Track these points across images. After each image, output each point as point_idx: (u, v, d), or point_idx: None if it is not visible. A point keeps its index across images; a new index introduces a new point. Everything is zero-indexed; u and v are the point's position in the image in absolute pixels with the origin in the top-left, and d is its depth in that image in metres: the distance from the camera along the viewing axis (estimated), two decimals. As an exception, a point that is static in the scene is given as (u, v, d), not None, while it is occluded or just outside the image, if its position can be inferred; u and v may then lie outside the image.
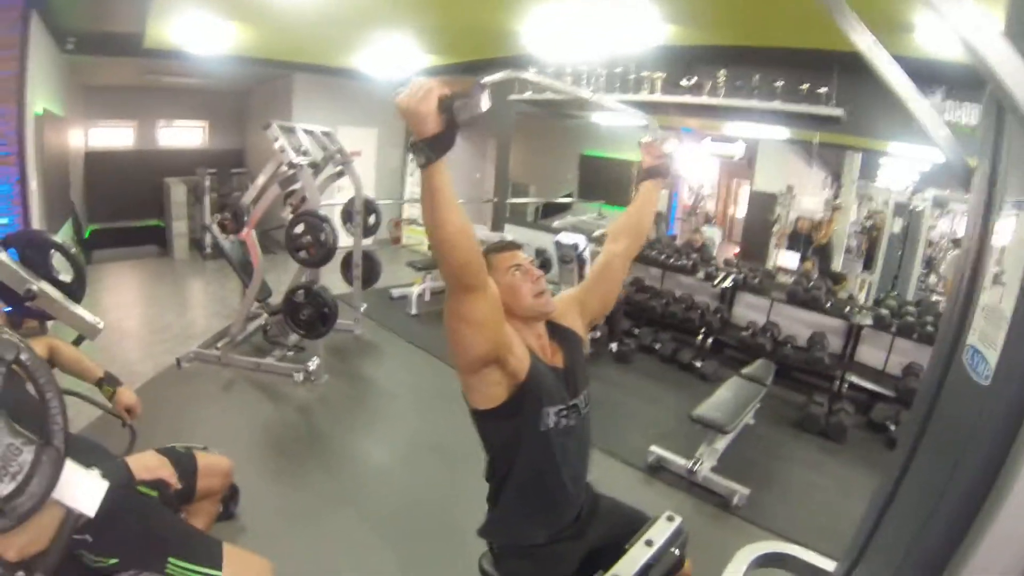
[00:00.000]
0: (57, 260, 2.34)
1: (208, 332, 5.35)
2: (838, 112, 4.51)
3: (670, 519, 1.91)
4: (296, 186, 4.56)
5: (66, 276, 2.31)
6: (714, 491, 3.46)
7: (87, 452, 1.83)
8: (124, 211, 8.03)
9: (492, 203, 8.75)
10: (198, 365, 4.69)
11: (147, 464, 1.75)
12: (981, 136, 1.01)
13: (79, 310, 2.27)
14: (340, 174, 5.39)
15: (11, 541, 1.38)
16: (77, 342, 2.38)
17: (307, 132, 4.84)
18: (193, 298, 6.76)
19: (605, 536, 1.88)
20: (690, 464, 3.52)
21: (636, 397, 4.91)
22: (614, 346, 5.59)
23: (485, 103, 1.20)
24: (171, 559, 1.76)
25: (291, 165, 4.24)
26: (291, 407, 4.34)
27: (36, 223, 4.56)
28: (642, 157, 2.02)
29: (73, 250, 2.38)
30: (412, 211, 10.16)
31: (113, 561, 1.73)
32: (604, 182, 10.18)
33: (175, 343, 5.14)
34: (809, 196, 7.16)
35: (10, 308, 2.17)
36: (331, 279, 5.83)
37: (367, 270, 5.80)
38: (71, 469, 1.23)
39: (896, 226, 5.67)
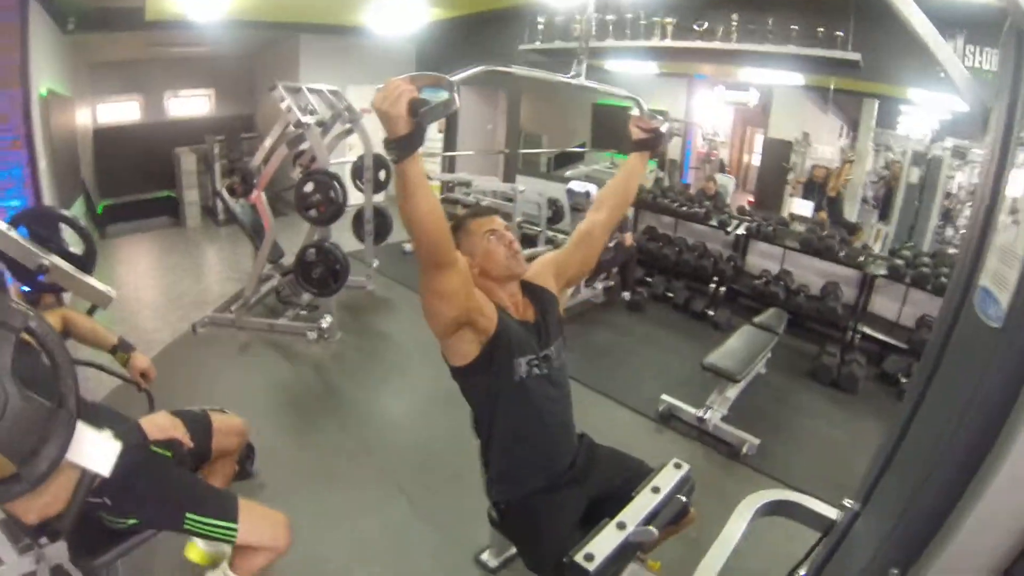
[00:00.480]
0: (69, 234, 2.38)
1: (223, 297, 5.41)
2: (855, 56, 4.38)
3: (677, 466, 1.94)
4: (305, 146, 4.55)
5: (77, 249, 2.36)
6: (724, 440, 3.48)
7: (101, 416, 1.87)
8: (135, 184, 8.05)
9: (503, 154, 8.65)
10: (213, 329, 4.75)
11: (159, 424, 1.75)
12: (1000, 72, 0.98)
13: (91, 280, 2.33)
14: (349, 132, 5.34)
15: (30, 504, 1.43)
16: (91, 312, 2.42)
17: (313, 91, 4.78)
18: (207, 265, 6.82)
19: (607, 484, 1.93)
20: (701, 413, 3.54)
21: (648, 346, 4.93)
22: (627, 295, 5.61)
23: (453, 104, 1.30)
24: (188, 515, 1.81)
25: (298, 125, 4.21)
26: (306, 365, 4.40)
27: (48, 203, 4.59)
28: (631, 130, 2.05)
29: (82, 223, 2.42)
30: (424, 165, 10.10)
31: (133, 521, 1.79)
32: (616, 131, 9.98)
33: (191, 309, 5.20)
34: (825, 144, 7.01)
35: (27, 287, 2.22)
36: (343, 237, 5.83)
37: (378, 226, 5.80)
38: (84, 431, 1.25)
39: (913, 176, 5.52)
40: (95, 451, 1.30)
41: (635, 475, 1.94)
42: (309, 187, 4.26)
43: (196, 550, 2.30)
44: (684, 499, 1.83)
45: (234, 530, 1.86)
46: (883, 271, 4.58)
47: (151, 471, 1.83)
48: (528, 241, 7.03)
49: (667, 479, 1.87)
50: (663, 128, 2.02)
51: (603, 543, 1.61)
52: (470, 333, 1.70)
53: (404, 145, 1.28)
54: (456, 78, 1.35)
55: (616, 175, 2.11)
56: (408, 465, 3.26)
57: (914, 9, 1.11)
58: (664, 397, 3.76)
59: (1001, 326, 0.84)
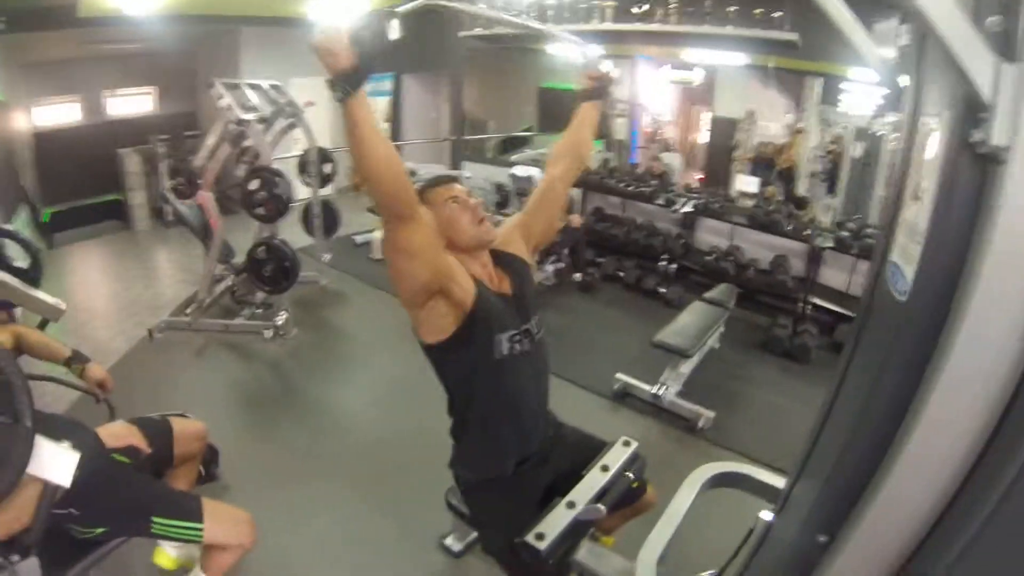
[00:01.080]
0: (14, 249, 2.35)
1: (177, 300, 5.34)
2: (792, 37, 4.48)
3: (626, 444, 1.96)
4: (248, 143, 4.50)
5: (22, 263, 2.33)
6: (680, 415, 3.57)
7: (60, 427, 1.87)
8: (81, 189, 7.80)
9: (449, 141, 8.63)
10: (170, 334, 4.69)
11: (115, 433, 1.81)
12: (909, 54, 1.01)
13: (39, 294, 2.33)
14: (292, 126, 5.27)
15: None
16: (42, 326, 2.42)
17: (254, 87, 4.71)
18: (159, 268, 6.69)
19: (568, 464, 1.92)
20: (655, 389, 3.62)
21: (601, 326, 5.00)
22: (578, 276, 5.65)
23: (392, 32, 1.26)
24: (154, 519, 1.85)
25: (239, 123, 4.16)
26: (263, 364, 4.40)
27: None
28: (579, 81, 2.02)
29: (25, 236, 2.39)
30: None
31: (101, 530, 1.84)
32: (563, 113, 9.95)
33: (145, 315, 5.10)
34: (770, 121, 7.17)
35: None
36: (292, 232, 5.77)
37: (327, 219, 5.76)
38: (42, 444, 1.30)
39: (857, 151, 5.70)
40: (54, 463, 1.35)
41: (596, 453, 1.94)
42: (254, 184, 4.22)
43: (164, 556, 2.34)
44: (632, 476, 1.86)
45: (200, 530, 1.90)
46: (830, 244, 4.70)
47: (114, 479, 1.86)
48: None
49: (616, 457, 1.90)
50: (609, 71, 1.99)
51: (553, 522, 1.64)
52: (444, 305, 1.60)
53: (349, 79, 1.23)
54: (400, 9, 1.34)
55: (570, 128, 2.03)
56: (367, 458, 3.29)
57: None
58: (619, 376, 3.83)
59: (906, 300, 0.87)
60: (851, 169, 5.70)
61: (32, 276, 2.40)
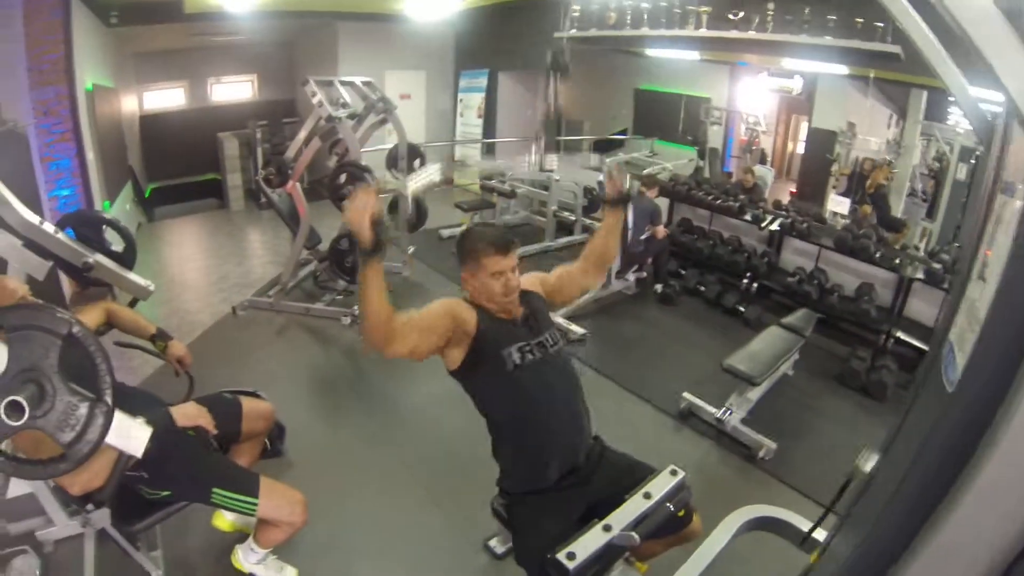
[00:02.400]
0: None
1: (263, 280, 5.60)
2: (895, 49, 4.20)
3: (673, 473, 1.94)
4: (339, 136, 4.65)
5: (118, 246, 2.55)
6: (742, 442, 3.45)
7: (138, 402, 2.04)
8: (182, 168, 8.36)
9: (541, 141, 8.64)
10: (253, 312, 4.94)
11: (187, 413, 1.96)
12: (998, 125, 0.96)
13: (131, 275, 2.54)
14: (383, 122, 5.42)
15: (74, 479, 1.67)
16: (132, 304, 2.62)
17: (346, 84, 4.87)
18: (249, 248, 7.03)
19: (609, 487, 1.93)
20: (719, 413, 3.52)
21: (676, 340, 4.90)
22: (659, 287, 5.56)
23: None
24: (215, 489, 2.04)
25: (329, 119, 4.31)
26: (338, 350, 4.55)
27: (95, 191, 4.85)
28: (607, 191, 2.21)
29: (122, 224, 2.62)
30: (463, 151, 10.16)
31: (166, 493, 2.03)
32: (658, 117, 9.91)
33: (231, 292, 5.40)
34: (870, 136, 6.78)
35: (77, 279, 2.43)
36: (381, 224, 5.94)
37: (413, 213, 5.87)
38: (120, 419, 1.45)
39: (962, 172, 5.29)
40: (130, 436, 1.51)
41: (639, 478, 1.94)
42: (342, 178, 4.36)
43: (223, 519, 2.59)
44: (672, 508, 1.84)
45: (255, 504, 2.07)
46: (920, 275, 4.40)
47: (183, 450, 2.03)
48: (564, 228, 7.03)
49: (661, 485, 1.88)
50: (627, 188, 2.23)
51: (587, 543, 1.65)
52: (456, 340, 1.85)
53: (369, 254, 1.59)
54: (415, 185, 1.65)
55: (596, 234, 2.25)
56: (427, 453, 3.36)
57: (920, 30, 1.08)
58: (685, 395, 3.75)
59: (952, 392, 0.80)
60: (952, 192, 5.31)
61: (126, 259, 2.55)
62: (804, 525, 1.75)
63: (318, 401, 3.92)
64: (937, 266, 4.33)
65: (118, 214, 5.97)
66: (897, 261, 4.57)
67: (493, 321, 1.89)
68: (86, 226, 2.48)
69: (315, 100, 4.30)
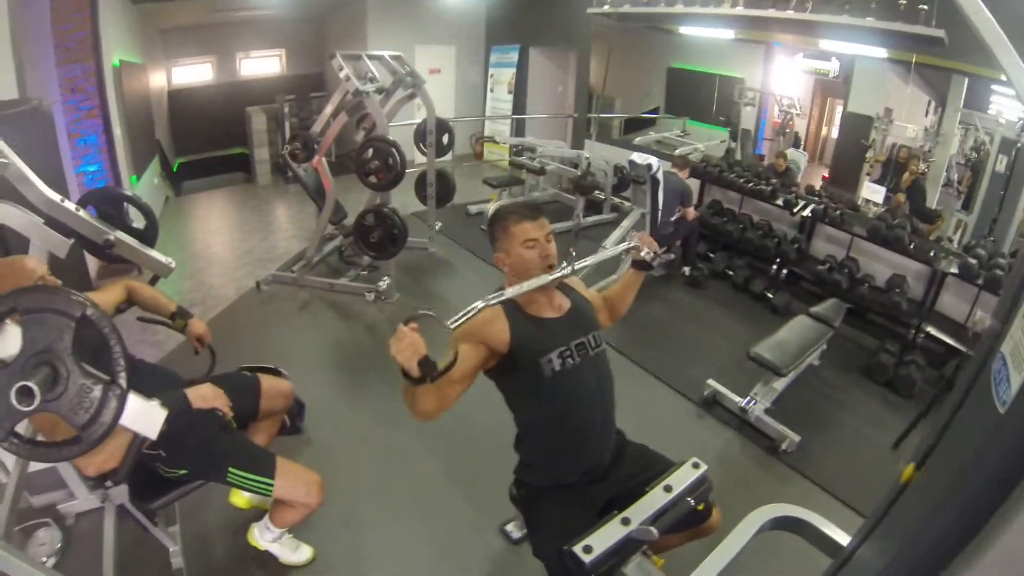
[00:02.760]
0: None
1: (288, 255, 5.64)
2: (939, 33, 4.03)
3: (695, 466, 1.88)
4: (367, 111, 4.61)
5: (139, 224, 2.57)
6: (765, 433, 3.40)
7: (158, 379, 2.13)
8: (210, 142, 8.41)
9: (572, 118, 8.52)
10: (277, 287, 4.97)
11: (203, 395, 1.93)
12: None
13: (152, 253, 2.57)
14: (411, 96, 5.37)
15: (89, 460, 1.66)
16: (153, 281, 2.63)
17: (374, 58, 4.82)
18: (275, 222, 7.05)
19: (629, 480, 1.92)
20: (744, 403, 3.47)
21: (702, 325, 4.84)
22: (687, 270, 5.50)
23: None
24: (231, 469, 2.06)
25: (356, 93, 4.27)
26: (361, 326, 4.56)
27: (122, 166, 4.89)
28: (635, 256, 2.16)
29: (143, 201, 2.63)
30: (493, 127, 10.08)
31: (183, 472, 2.06)
32: (691, 96, 9.72)
33: (256, 267, 5.44)
34: (908, 123, 6.56)
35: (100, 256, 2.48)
36: (406, 198, 5.96)
37: (441, 189, 5.85)
38: (135, 401, 1.44)
39: (1001, 164, 5.07)
40: (144, 418, 1.49)
41: (659, 471, 1.91)
42: (368, 153, 4.32)
43: (240, 497, 2.63)
44: (692, 502, 1.79)
45: (271, 485, 2.09)
46: (954, 268, 4.25)
47: (200, 430, 2.04)
48: (593, 207, 6.95)
49: (682, 478, 1.83)
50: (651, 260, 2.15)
51: (604, 537, 1.62)
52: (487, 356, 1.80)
53: (416, 382, 1.52)
54: (455, 324, 1.71)
55: (616, 286, 2.22)
56: (447, 435, 3.34)
57: (979, 7, 1.01)
58: (710, 382, 3.69)
59: (1005, 411, 0.73)
60: (991, 184, 5.10)
61: (148, 236, 2.58)
62: (827, 527, 1.70)
63: (339, 378, 3.92)
64: (972, 261, 4.17)
65: (145, 189, 6.05)
66: (931, 253, 4.42)
67: (529, 325, 1.81)
68: (107, 203, 2.52)
69: (342, 75, 4.26)
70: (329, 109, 4.59)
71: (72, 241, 2.23)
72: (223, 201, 7.68)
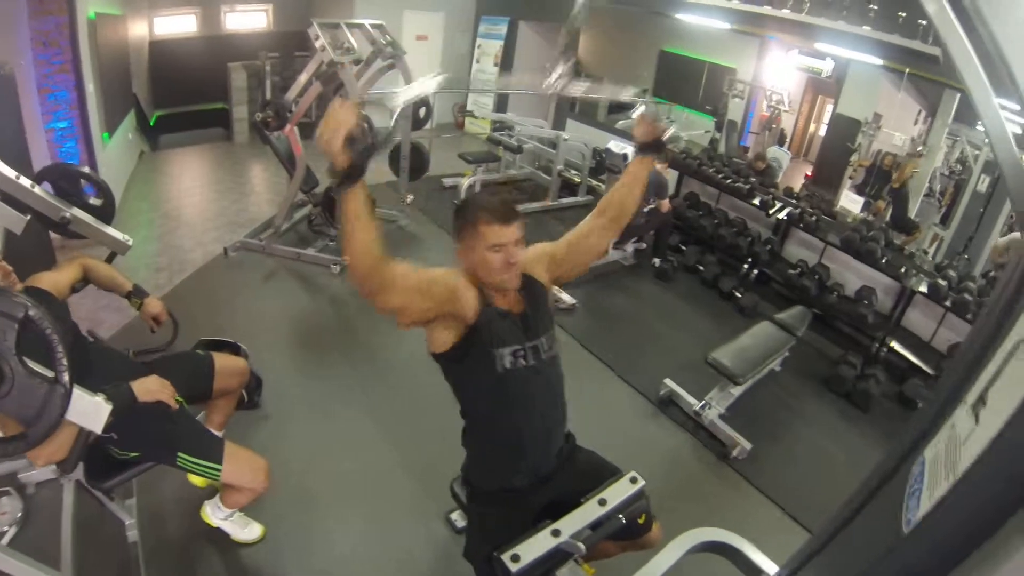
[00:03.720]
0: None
1: (260, 218, 5.52)
2: (935, 51, 3.97)
3: (633, 480, 1.90)
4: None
5: (97, 200, 2.57)
6: (718, 438, 3.41)
7: (114, 365, 2.18)
8: (190, 96, 8.17)
9: (555, 98, 8.39)
10: (244, 254, 4.89)
11: (148, 388, 1.93)
12: None
13: (108, 230, 2.57)
14: (390, 67, 5.23)
15: (39, 453, 1.74)
16: (110, 259, 2.63)
17: (353, 26, 4.68)
18: (248, 183, 6.89)
19: (573, 486, 1.90)
20: (698, 406, 3.48)
21: (666, 321, 4.83)
22: (657, 261, 5.46)
23: (394, 136, 1.31)
24: (180, 454, 2.11)
25: (331, 64, 4.16)
26: (325, 298, 4.52)
27: (94, 123, 4.74)
28: (637, 131, 1.95)
29: (100, 178, 2.65)
30: (475, 99, 9.93)
31: (134, 454, 2.12)
32: (681, 82, 9.65)
33: (226, 230, 5.34)
34: (896, 131, 6.55)
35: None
36: (380, 169, 5.90)
37: (415, 162, 5.77)
38: (80, 397, 1.52)
39: (983, 184, 5.08)
40: (89, 414, 1.58)
41: (602, 480, 1.91)
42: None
43: (196, 476, 2.59)
44: (623, 520, 1.80)
45: (218, 470, 2.15)
46: (923, 288, 4.23)
47: (151, 416, 2.05)
48: (569, 188, 6.89)
49: (618, 492, 1.85)
50: (666, 136, 1.94)
51: (533, 546, 1.64)
52: (449, 319, 1.65)
53: (344, 176, 1.33)
54: (400, 101, 1.42)
55: (620, 180, 1.98)
56: (404, 415, 3.35)
57: (962, 46, 0.95)
58: (667, 381, 3.69)
59: (906, 534, 0.68)
60: (971, 202, 5.13)
61: (105, 213, 2.57)
62: (754, 554, 1.72)
63: (300, 352, 3.88)
64: (943, 282, 4.16)
65: (119, 144, 5.89)
66: (902, 269, 4.40)
67: (495, 313, 1.70)
68: (64, 179, 2.51)
69: (317, 44, 4.14)
70: (304, 77, 4.46)
71: (28, 217, 2.22)
72: (199, 158, 7.51)
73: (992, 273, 4.61)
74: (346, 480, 2.90)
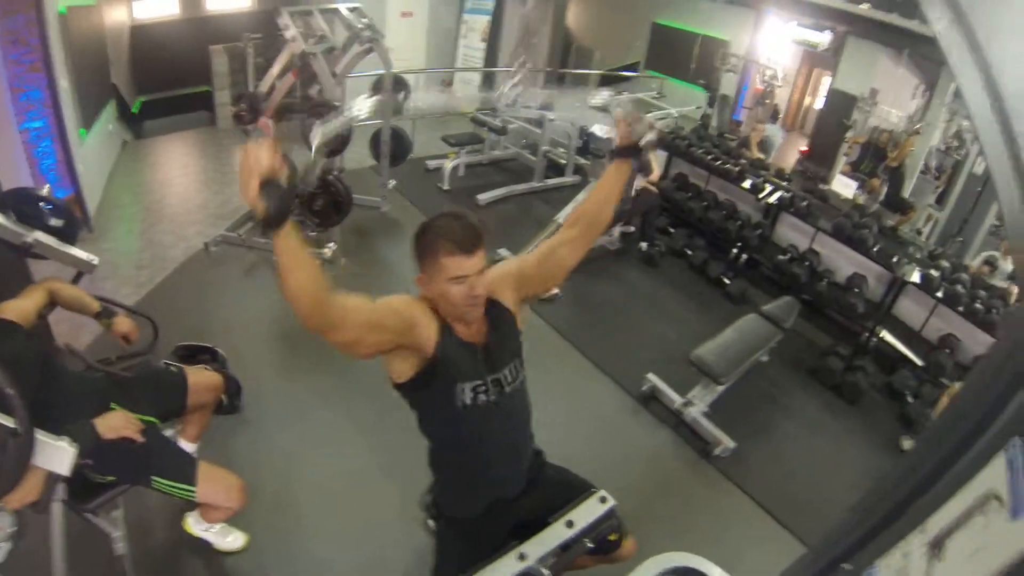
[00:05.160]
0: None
1: (240, 210, 5.41)
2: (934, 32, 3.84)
3: (603, 500, 1.87)
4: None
5: (58, 221, 2.57)
6: (700, 436, 3.36)
7: (85, 393, 2.19)
8: (173, 80, 7.97)
9: (546, 72, 8.23)
10: (225, 248, 4.80)
11: (112, 425, 1.96)
12: None
13: (73, 251, 2.59)
14: (369, 51, 5.07)
15: (9, 499, 1.76)
16: (76, 279, 2.64)
17: (327, 12, 4.53)
18: (231, 172, 6.66)
19: (541, 505, 1.87)
20: (680, 403, 3.44)
21: (651, 310, 4.74)
22: (644, 245, 5.34)
23: (311, 174, 1.24)
24: (154, 477, 2.14)
25: (303, 56, 4.04)
26: (305, 295, 4.43)
27: (69, 120, 4.60)
28: (617, 130, 1.80)
29: (58, 200, 2.66)
30: (463, 77, 9.76)
31: (111, 478, 2.16)
32: (674, 54, 9.50)
33: (207, 224, 5.24)
34: (893, 107, 6.42)
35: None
36: (360, 154, 5.82)
37: (396, 147, 5.66)
38: (43, 443, 1.59)
39: (979, 167, 4.96)
40: (54, 457, 1.65)
41: (571, 498, 1.88)
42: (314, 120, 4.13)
43: None
44: (591, 545, 1.78)
45: (193, 491, 2.18)
46: (915, 278, 4.13)
47: (119, 447, 2.05)
48: (555, 169, 6.74)
49: (585, 513, 1.82)
50: (644, 141, 1.77)
51: (499, 570, 1.63)
52: (406, 350, 1.57)
53: (266, 223, 1.24)
54: (317, 142, 1.34)
55: (595, 189, 1.87)
56: (385, 417, 3.21)
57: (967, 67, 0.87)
58: (649, 376, 3.63)
59: None
60: (967, 184, 5.02)
61: (68, 233, 2.58)
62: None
63: (280, 353, 3.83)
64: (935, 273, 4.07)
65: (98, 138, 5.77)
66: (894, 259, 4.29)
67: (456, 346, 1.61)
68: (24, 204, 2.50)
69: (288, 35, 4.02)
70: (276, 69, 4.33)
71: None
72: (183, 146, 7.36)
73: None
74: (327, 485, 2.90)
